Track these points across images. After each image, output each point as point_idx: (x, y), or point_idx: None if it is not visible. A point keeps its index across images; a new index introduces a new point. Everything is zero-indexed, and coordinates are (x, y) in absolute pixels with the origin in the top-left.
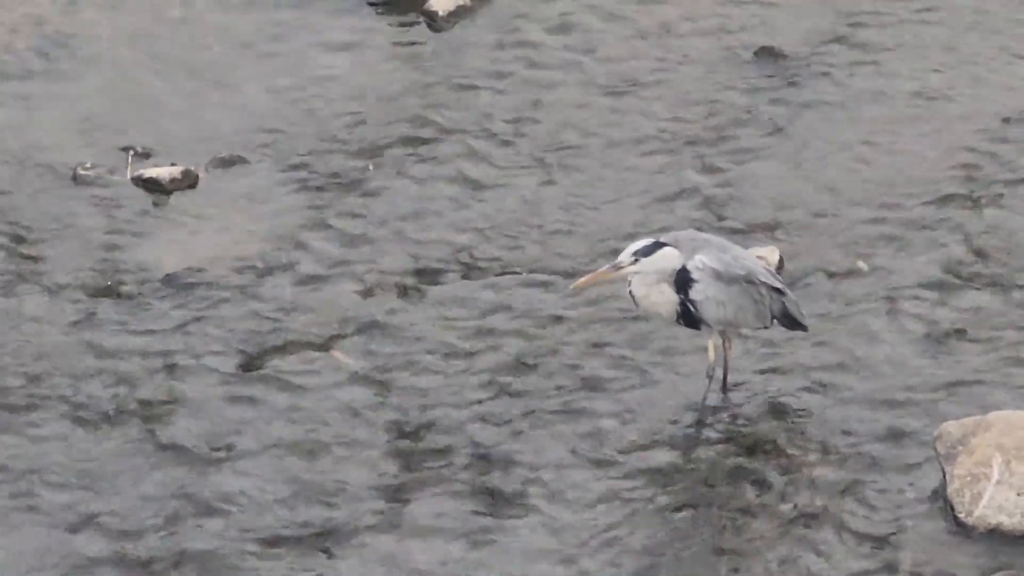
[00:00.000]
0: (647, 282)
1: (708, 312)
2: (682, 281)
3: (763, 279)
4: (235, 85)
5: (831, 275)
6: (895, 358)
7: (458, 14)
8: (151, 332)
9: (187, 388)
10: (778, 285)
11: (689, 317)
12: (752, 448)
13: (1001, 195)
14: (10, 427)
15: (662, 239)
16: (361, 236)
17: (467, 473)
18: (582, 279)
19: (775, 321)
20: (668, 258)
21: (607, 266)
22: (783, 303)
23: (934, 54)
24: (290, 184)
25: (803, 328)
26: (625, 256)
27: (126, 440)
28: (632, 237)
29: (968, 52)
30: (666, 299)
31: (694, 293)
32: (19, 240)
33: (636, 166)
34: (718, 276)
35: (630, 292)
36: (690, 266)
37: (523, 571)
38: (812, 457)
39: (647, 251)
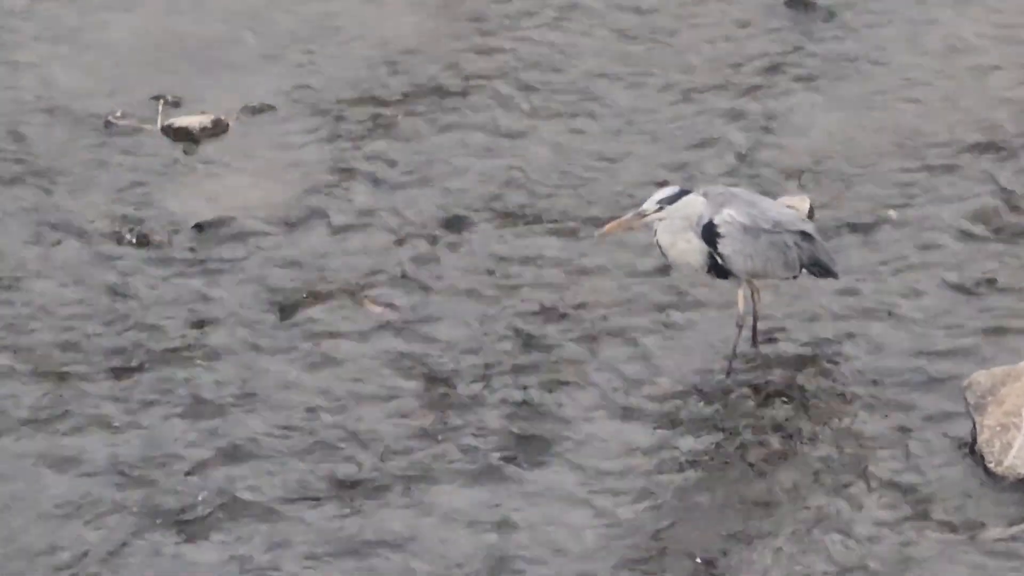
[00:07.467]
0: (673, 229)
1: (736, 264)
2: (709, 235)
3: (792, 227)
4: (265, 34)
5: (861, 224)
6: (925, 307)
7: None
8: (181, 281)
9: (218, 337)
10: (808, 230)
11: (719, 268)
12: (782, 397)
13: None
14: (40, 375)
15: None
16: (391, 184)
17: (498, 421)
18: (608, 225)
19: (804, 270)
20: (692, 204)
21: (632, 213)
22: (812, 251)
23: (966, 4)
24: (319, 132)
25: (833, 275)
26: (650, 204)
27: (156, 389)
28: (661, 187)
29: (1000, 2)
30: (693, 247)
31: (722, 247)
32: (50, 189)
33: (666, 115)
34: (745, 230)
35: (656, 242)
36: (717, 220)
37: (554, 518)
38: (842, 406)
39: (671, 199)
